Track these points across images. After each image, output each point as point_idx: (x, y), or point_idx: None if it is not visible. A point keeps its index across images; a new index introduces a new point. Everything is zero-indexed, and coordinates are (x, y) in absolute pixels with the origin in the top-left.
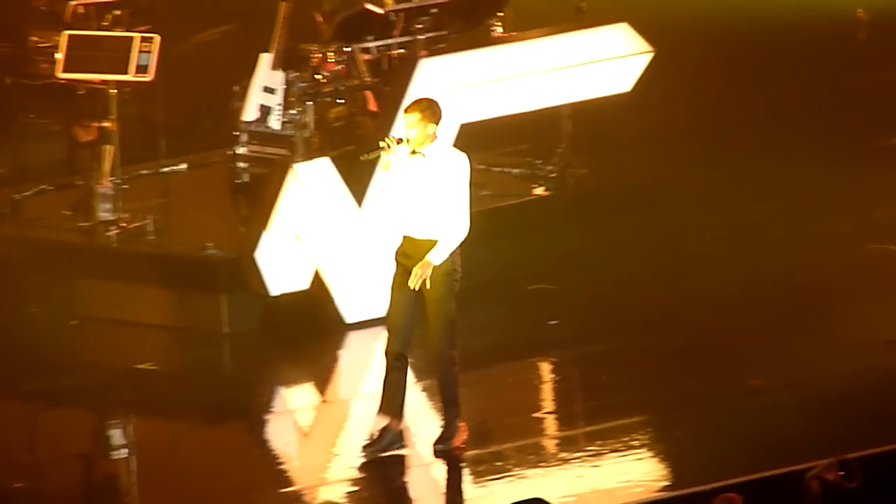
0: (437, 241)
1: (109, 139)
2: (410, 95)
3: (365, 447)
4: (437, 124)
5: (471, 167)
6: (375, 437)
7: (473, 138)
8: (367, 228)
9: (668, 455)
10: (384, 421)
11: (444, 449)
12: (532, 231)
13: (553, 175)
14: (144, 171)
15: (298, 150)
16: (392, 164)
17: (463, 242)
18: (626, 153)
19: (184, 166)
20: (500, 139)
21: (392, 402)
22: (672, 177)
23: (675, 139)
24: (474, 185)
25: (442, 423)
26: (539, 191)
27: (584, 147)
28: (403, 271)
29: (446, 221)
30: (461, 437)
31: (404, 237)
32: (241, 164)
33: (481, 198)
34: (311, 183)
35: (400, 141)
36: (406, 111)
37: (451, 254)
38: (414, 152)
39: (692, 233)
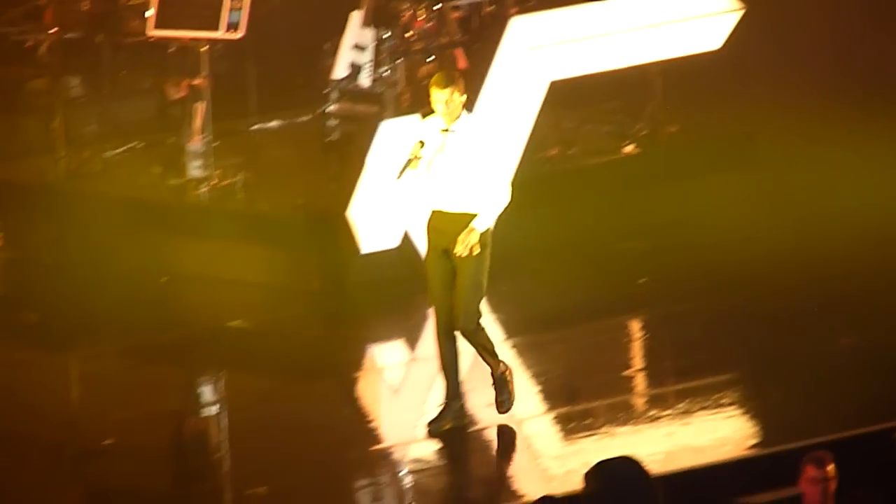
0: (472, 214)
1: (200, 96)
2: (501, 53)
3: (429, 424)
4: (464, 95)
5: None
6: (437, 414)
7: (563, 96)
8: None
9: (759, 413)
10: (445, 399)
11: (505, 402)
12: (622, 189)
13: (643, 133)
14: (235, 129)
15: (388, 107)
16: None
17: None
18: (717, 110)
19: (274, 124)
20: (590, 97)
21: (449, 379)
22: (765, 134)
23: (769, 95)
24: (564, 143)
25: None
26: (629, 149)
27: (674, 104)
28: (436, 247)
29: (489, 190)
30: (511, 382)
31: (435, 212)
32: (332, 122)
33: (570, 156)
34: (402, 140)
35: (422, 144)
36: (437, 86)
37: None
38: (444, 129)
39: (785, 190)
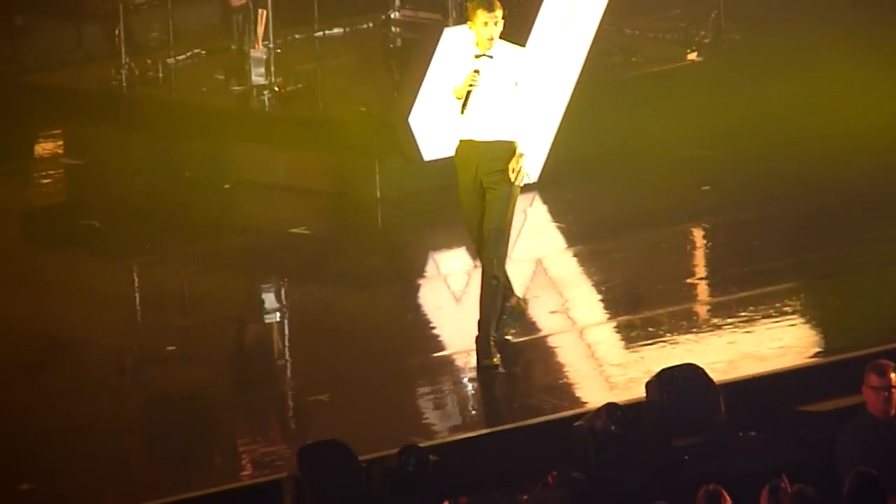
0: (506, 142)
1: (263, 3)
2: None
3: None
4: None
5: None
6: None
7: (626, 3)
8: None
9: (821, 321)
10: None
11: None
12: (685, 97)
13: (706, 40)
14: (298, 36)
15: (451, 14)
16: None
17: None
18: (780, 19)
19: (337, 31)
20: (653, 4)
21: (494, 311)
22: (827, 43)
23: (831, 5)
24: (627, 50)
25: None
26: (692, 56)
27: (737, 12)
28: (471, 178)
29: (525, 116)
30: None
31: (465, 142)
32: (395, 29)
33: (634, 63)
34: (464, 47)
35: (477, 72)
36: (485, 8)
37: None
38: (480, 55)
39: (848, 99)
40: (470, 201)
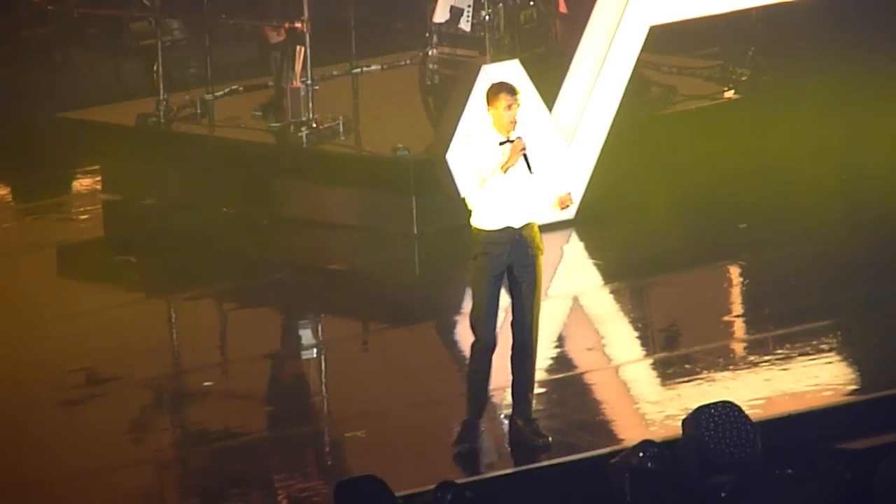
0: (535, 223)
1: (301, 40)
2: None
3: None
4: None
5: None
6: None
7: (664, 41)
8: (555, 131)
9: (858, 359)
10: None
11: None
12: (722, 134)
13: (744, 78)
14: (336, 73)
15: (488, 51)
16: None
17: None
18: (817, 56)
19: (375, 67)
20: (691, 42)
21: (483, 398)
22: (868, 79)
23: (867, 44)
24: (665, 87)
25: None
26: (730, 94)
27: (775, 50)
28: (499, 267)
29: (550, 184)
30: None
31: (498, 231)
32: (432, 66)
33: (671, 100)
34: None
35: (519, 139)
36: (513, 93)
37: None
38: (504, 142)
39: (886, 138)
40: (494, 291)
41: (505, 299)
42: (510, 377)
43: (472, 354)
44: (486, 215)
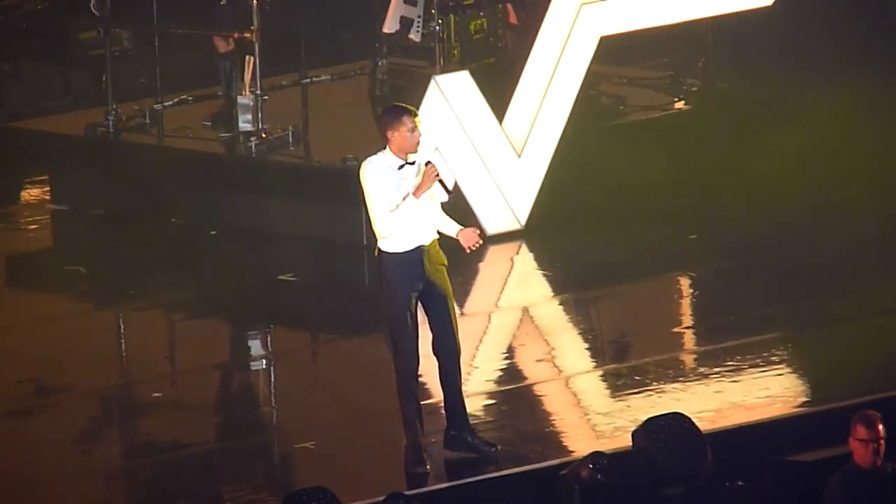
0: (436, 239)
1: (250, 49)
2: (552, 8)
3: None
4: None
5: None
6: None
7: (614, 51)
8: (505, 141)
9: (809, 371)
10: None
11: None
12: (672, 145)
13: (694, 89)
14: (285, 83)
15: (438, 62)
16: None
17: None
18: (767, 68)
19: (325, 77)
20: (641, 52)
21: (421, 417)
22: (813, 92)
23: (818, 54)
24: (616, 97)
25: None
26: (680, 104)
27: (725, 61)
28: (416, 287)
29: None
30: None
31: (412, 251)
32: (382, 76)
33: (621, 111)
34: (452, 95)
35: (429, 163)
36: (415, 115)
37: None
38: (406, 164)
39: (836, 146)
40: (411, 312)
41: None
42: (441, 392)
43: (403, 379)
44: (397, 238)
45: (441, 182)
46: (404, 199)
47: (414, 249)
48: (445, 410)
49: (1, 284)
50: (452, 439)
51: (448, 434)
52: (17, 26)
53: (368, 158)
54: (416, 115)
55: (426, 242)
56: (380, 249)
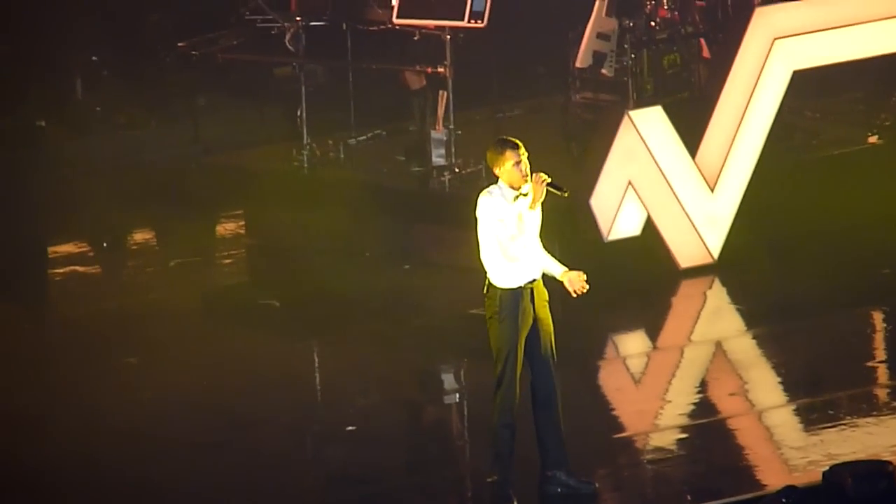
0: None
1: (444, 85)
2: (745, 43)
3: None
4: None
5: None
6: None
7: (807, 86)
8: (698, 175)
9: None
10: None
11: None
12: (865, 179)
13: (887, 123)
14: (478, 117)
15: (631, 97)
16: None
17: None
18: None
19: (517, 112)
20: (834, 87)
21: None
22: None
23: None
24: (808, 132)
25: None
26: (873, 139)
27: None
28: (525, 314)
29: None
30: None
31: (524, 287)
32: (575, 110)
33: (813, 146)
34: (645, 130)
35: (539, 173)
36: (518, 148)
37: None
38: (520, 195)
39: None
40: (521, 341)
41: None
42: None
43: (501, 415)
44: (511, 273)
45: (550, 185)
46: (520, 220)
47: (525, 285)
48: (541, 449)
49: (197, 318)
50: (549, 479)
51: (544, 475)
52: (213, 62)
53: (487, 189)
54: (519, 148)
55: (536, 277)
56: (491, 284)
